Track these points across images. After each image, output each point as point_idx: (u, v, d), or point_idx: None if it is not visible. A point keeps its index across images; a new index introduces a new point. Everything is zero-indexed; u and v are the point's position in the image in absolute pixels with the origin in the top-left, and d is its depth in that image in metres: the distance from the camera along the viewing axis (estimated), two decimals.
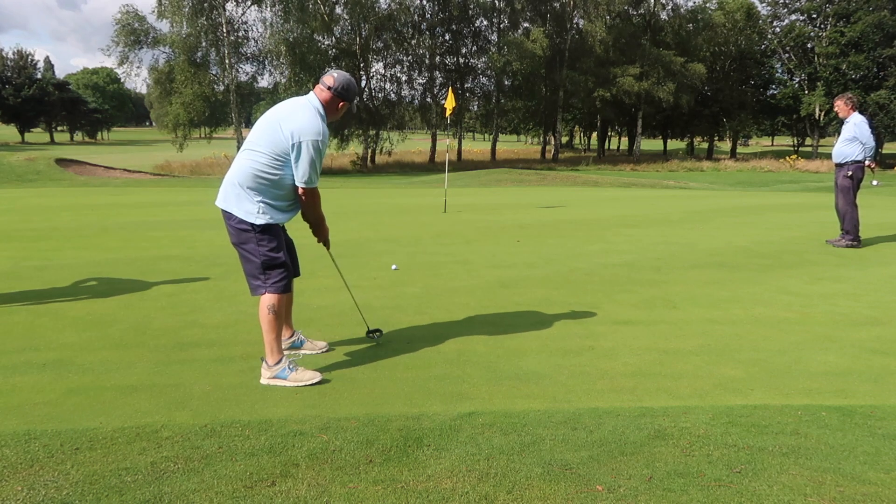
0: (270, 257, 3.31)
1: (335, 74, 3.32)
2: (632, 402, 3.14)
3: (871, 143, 7.98)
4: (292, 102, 3.33)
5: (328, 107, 3.32)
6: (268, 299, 3.32)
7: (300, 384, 3.29)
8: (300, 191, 3.29)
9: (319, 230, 3.60)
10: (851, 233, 8.17)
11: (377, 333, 4.00)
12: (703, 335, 4.28)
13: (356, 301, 4.28)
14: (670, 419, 2.92)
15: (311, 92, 3.34)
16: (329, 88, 3.29)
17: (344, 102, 3.35)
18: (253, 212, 3.26)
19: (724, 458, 2.56)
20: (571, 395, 3.23)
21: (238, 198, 3.27)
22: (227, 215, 3.32)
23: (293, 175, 3.25)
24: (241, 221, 3.27)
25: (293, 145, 3.17)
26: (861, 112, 8.30)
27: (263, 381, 3.32)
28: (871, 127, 8.06)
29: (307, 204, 3.39)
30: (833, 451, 2.63)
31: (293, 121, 3.20)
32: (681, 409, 3.05)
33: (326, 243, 3.70)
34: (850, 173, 8.09)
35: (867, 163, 8.11)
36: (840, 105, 8.17)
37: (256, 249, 3.30)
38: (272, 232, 3.33)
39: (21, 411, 2.92)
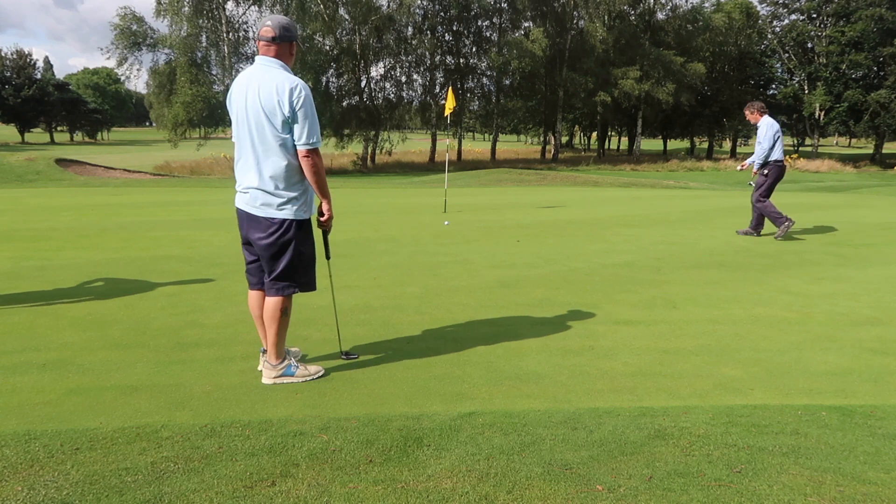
0: (312, 252, 3.30)
1: (269, 23, 3.14)
2: (632, 402, 3.14)
3: (767, 143, 8.55)
4: (247, 77, 3.15)
5: (282, 56, 3.17)
6: (282, 301, 3.25)
7: (309, 378, 3.31)
8: (303, 154, 3.08)
9: (326, 205, 3.33)
10: (755, 223, 8.86)
11: (352, 356, 3.77)
12: (703, 335, 4.28)
13: (337, 318, 4.06)
14: (670, 419, 2.92)
15: (259, 56, 3.17)
16: (273, 40, 3.12)
17: (293, 43, 3.20)
18: (292, 210, 3.17)
19: (724, 457, 2.56)
20: (571, 395, 3.23)
21: (278, 198, 3.14)
22: (269, 223, 3.16)
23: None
24: (288, 224, 3.16)
25: (279, 102, 3.01)
26: (773, 116, 9.05)
27: (268, 381, 3.30)
28: (772, 128, 8.58)
29: (312, 170, 3.13)
30: (833, 451, 2.63)
31: (267, 85, 3.05)
32: (681, 409, 3.05)
33: (328, 224, 3.38)
34: (766, 172, 8.73)
35: (746, 164, 8.86)
36: (747, 114, 8.83)
37: (302, 247, 3.22)
38: (309, 227, 3.30)
39: (21, 411, 2.92)
